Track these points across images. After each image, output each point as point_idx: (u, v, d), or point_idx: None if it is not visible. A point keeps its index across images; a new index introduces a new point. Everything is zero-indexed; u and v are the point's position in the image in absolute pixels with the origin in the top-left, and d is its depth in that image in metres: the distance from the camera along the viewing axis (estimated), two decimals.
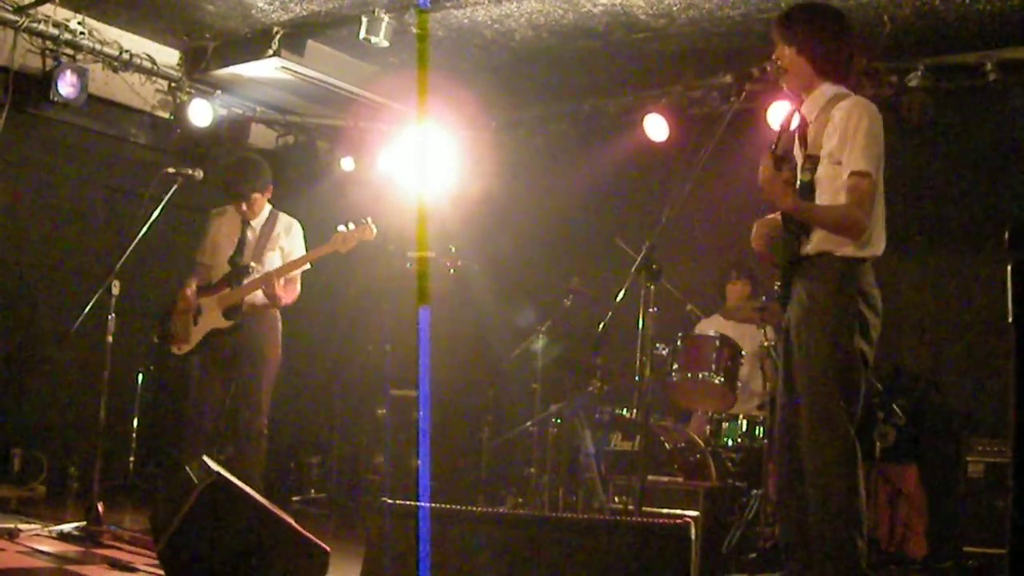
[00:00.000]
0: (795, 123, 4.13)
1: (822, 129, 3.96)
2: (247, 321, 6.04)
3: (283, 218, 6.27)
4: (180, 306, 6.11)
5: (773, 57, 4.06)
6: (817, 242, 3.93)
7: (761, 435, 5.98)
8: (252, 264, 6.08)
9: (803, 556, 3.88)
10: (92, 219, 7.82)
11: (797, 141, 4.09)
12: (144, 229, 5.68)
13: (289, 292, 6.10)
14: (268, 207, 6.24)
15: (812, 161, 3.96)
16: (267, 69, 7.46)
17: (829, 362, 3.82)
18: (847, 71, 4.07)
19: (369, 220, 6.06)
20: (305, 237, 6.31)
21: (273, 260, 6.16)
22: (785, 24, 4.06)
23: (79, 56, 7.27)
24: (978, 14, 5.96)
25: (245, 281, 6.05)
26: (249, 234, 6.17)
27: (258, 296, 6.06)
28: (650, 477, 5.42)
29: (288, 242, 6.24)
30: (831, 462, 3.77)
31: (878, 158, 3.86)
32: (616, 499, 5.60)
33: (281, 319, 6.20)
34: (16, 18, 6.91)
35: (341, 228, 6.03)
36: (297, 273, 6.13)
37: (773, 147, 3.91)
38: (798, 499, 3.89)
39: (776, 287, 4.14)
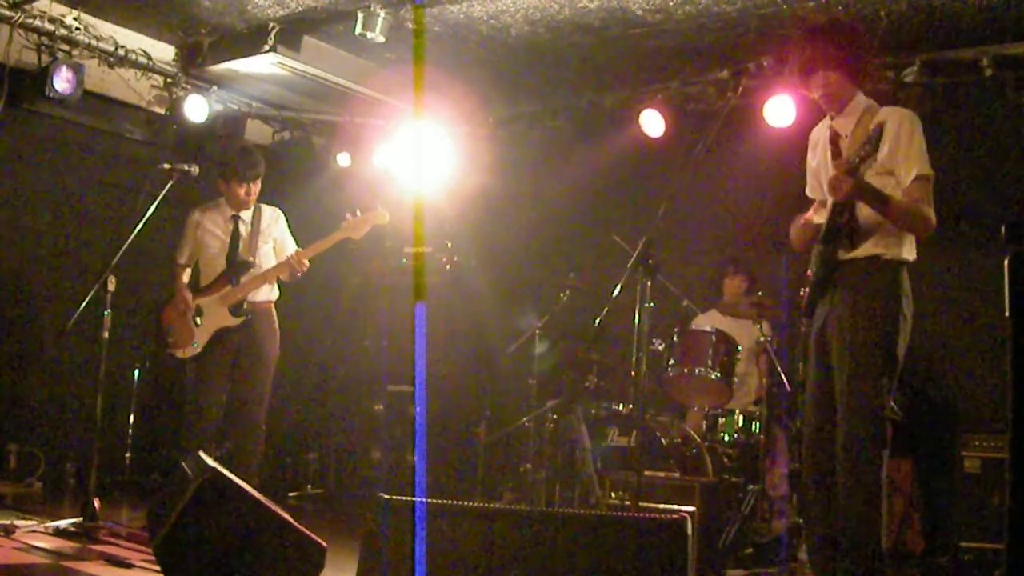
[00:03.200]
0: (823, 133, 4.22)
1: (857, 140, 4.04)
2: (252, 318, 6.04)
3: (267, 209, 6.29)
4: (179, 309, 6.08)
5: (820, 84, 4.09)
6: (867, 247, 4.06)
7: (757, 430, 5.99)
8: (250, 259, 6.08)
9: (830, 550, 3.97)
10: (88, 215, 7.80)
11: (830, 154, 4.15)
12: (140, 225, 5.68)
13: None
14: None
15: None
16: (263, 65, 7.45)
17: (877, 360, 3.96)
18: (865, 78, 4.25)
19: (379, 205, 6.11)
20: (297, 232, 6.33)
21: (267, 253, 6.18)
22: (828, 52, 4.11)
23: (74, 52, 7.25)
24: (974, 9, 5.96)
25: (244, 277, 6.04)
26: (242, 228, 6.16)
27: (258, 292, 6.07)
28: (646, 472, 5.43)
29: (279, 232, 6.27)
30: (869, 458, 3.93)
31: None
32: (613, 494, 5.60)
33: (276, 315, 6.22)
34: (11, 13, 6.88)
35: (349, 215, 6.05)
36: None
37: (839, 164, 4.01)
38: (829, 492, 4.01)
39: (801, 293, 4.23)
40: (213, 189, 6.33)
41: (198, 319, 6.04)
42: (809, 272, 4.23)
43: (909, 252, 4.10)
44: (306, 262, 6.01)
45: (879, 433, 3.94)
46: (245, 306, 6.02)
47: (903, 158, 3.99)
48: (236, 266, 6.07)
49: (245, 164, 6.12)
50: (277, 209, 6.34)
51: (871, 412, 3.94)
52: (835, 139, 4.16)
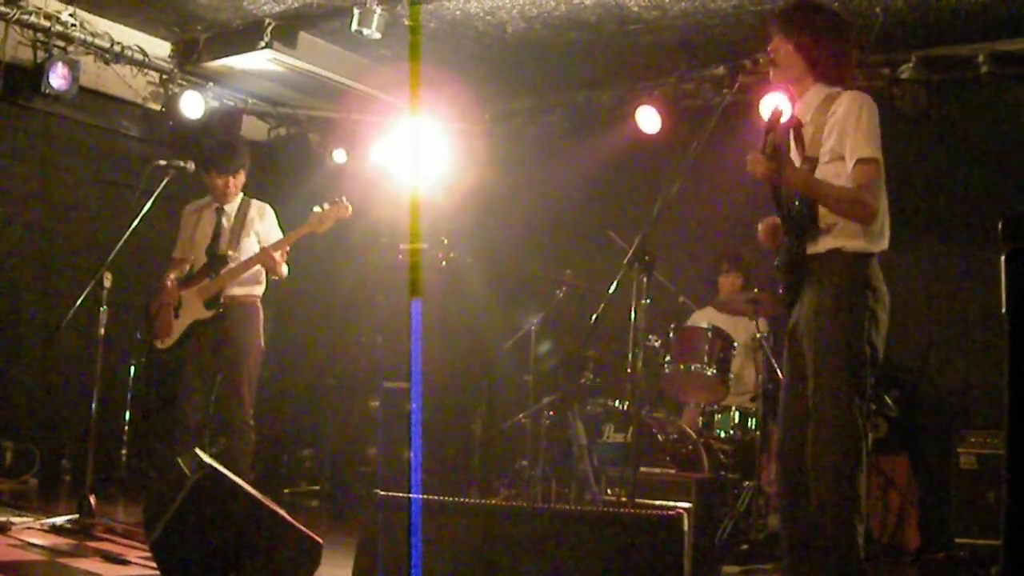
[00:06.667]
0: (786, 119, 4.12)
1: (819, 129, 3.95)
2: (228, 312, 6.02)
3: (255, 203, 6.27)
4: (162, 300, 6.08)
5: (768, 49, 4.06)
6: (827, 240, 3.91)
7: (753, 427, 5.99)
8: (230, 253, 6.07)
9: (802, 551, 3.89)
10: (84, 211, 7.80)
11: (793, 143, 4.08)
12: (136, 221, 5.67)
13: (281, 266, 6.10)
14: (240, 194, 6.23)
15: (810, 163, 3.95)
16: (259, 61, 7.45)
17: (841, 359, 3.80)
18: (841, 73, 4.05)
19: (343, 198, 6.05)
20: (292, 228, 6.32)
21: (250, 246, 6.14)
22: (785, 19, 4.05)
23: (70, 48, 7.23)
24: (970, 6, 5.97)
25: (222, 270, 6.03)
26: (224, 222, 6.15)
27: (238, 286, 6.05)
28: (643, 469, 5.43)
29: (263, 226, 6.22)
30: (840, 457, 3.76)
31: (880, 148, 3.85)
32: (609, 491, 5.61)
33: (263, 310, 6.19)
34: (7, 10, 6.88)
35: (316, 208, 6.03)
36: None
37: (762, 148, 3.88)
38: (800, 494, 3.89)
39: (780, 291, 4.13)
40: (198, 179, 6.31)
41: (178, 311, 6.05)
42: (776, 263, 4.08)
43: (874, 242, 3.88)
44: (276, 256, 5.98)
45: (849, 441, 3.75)
46: (221, 300, 6.00)
47: (849, 141, 3.82)
48: (215, 259, 6.07)
49: (224, 156, 6.14)
50: (266, 205, 6.30)
51: (839, 419, 3.76)
52: (797, 127, 4.10)
